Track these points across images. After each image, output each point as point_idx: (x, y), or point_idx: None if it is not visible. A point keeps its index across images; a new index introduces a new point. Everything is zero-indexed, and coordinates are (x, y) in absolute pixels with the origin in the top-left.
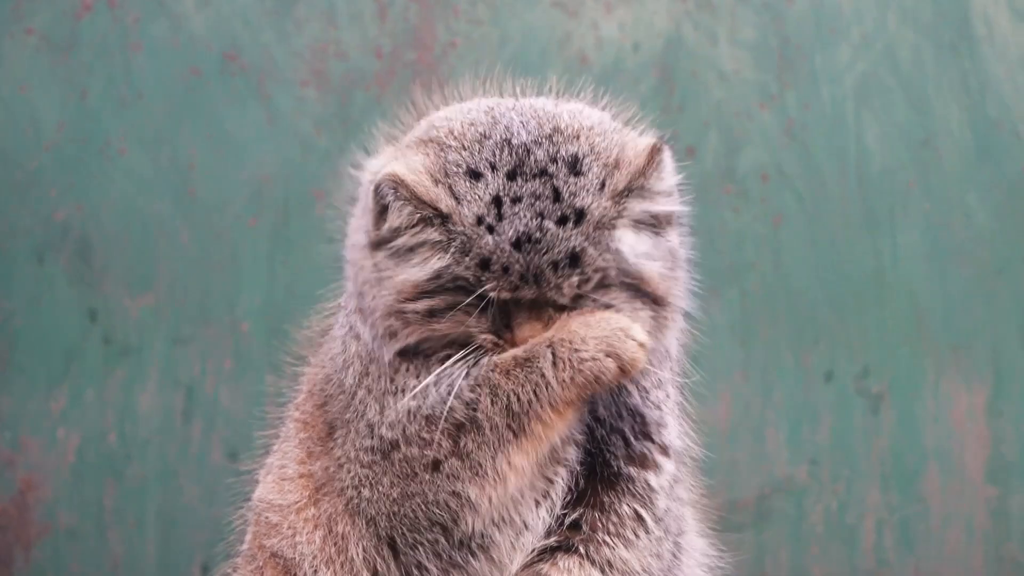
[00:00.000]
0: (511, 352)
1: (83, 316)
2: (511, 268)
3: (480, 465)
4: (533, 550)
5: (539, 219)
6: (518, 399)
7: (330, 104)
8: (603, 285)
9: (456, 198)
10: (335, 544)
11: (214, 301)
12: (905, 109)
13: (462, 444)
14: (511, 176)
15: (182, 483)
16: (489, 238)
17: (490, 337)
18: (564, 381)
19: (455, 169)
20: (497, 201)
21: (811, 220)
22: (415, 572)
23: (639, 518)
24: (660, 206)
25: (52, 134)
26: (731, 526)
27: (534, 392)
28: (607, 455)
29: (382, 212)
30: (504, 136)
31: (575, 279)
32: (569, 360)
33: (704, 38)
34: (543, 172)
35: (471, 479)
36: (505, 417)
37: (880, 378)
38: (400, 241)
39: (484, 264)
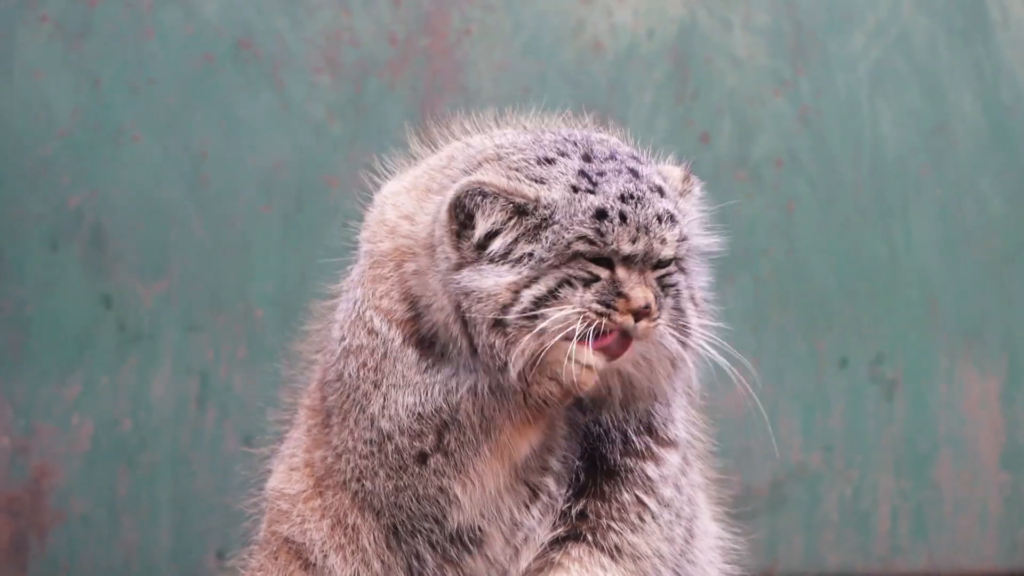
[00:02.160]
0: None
1: (97, 303)
2: (627, 216)
3: (462, 464)
4: (543, 543)
5: (633, 182)
6: (488, 407)
7: (343, 91)
8: (682, 267)
9: (538, 181)
10: (345, 534)
11: (227, 288)
12: (919, 96)
13: (445, 440)
14: (586, 159)
15: (196, 469)
16: (594, 197)
17: (599, 308)
18: (518, 403)
19: (524, 164)
20: (583, 173)
21: (824, 206)
22: (414, 563)
23: (642, 503)
24: (698, 238)
25: (65, 121)
26: (746, 513)
27: (496, 406)
28: (603, 450)
29: (466, 223)
30: (557, 136)
31: (676, 231)
32: (522, 377)
33: (718, 24)
34: (613, 156)
35: (455, 476)
36: (480, 419)
37: (893, 365)
38: (497, 243)
39: (601, 214)
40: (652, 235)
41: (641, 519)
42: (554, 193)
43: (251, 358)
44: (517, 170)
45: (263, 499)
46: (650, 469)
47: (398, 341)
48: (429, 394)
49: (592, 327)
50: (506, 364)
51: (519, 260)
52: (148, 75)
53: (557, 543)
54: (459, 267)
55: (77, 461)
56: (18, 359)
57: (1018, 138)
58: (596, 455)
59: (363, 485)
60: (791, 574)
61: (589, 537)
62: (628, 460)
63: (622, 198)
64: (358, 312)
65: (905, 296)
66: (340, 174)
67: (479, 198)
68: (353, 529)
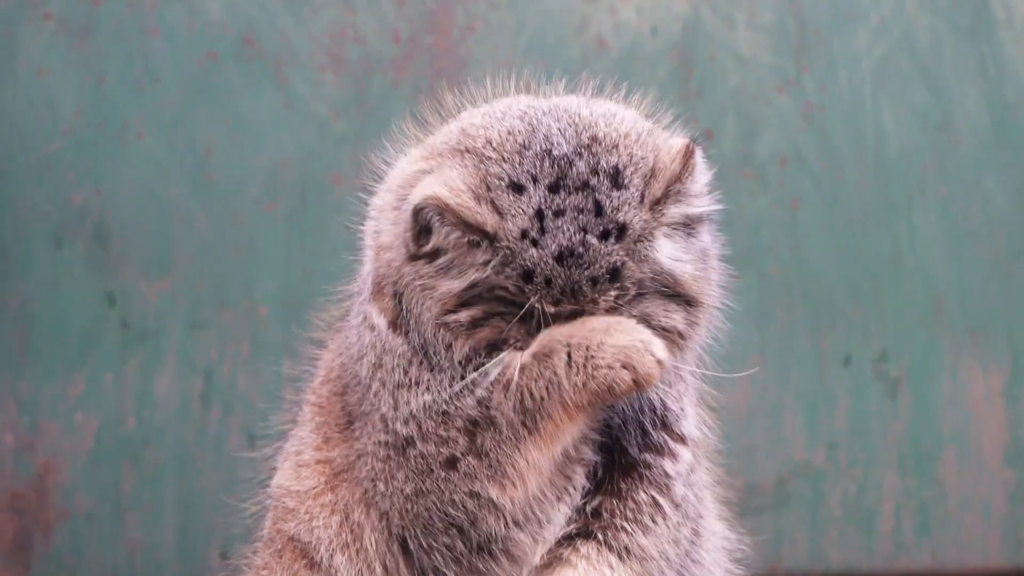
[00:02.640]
0: (528, 349)
1: (101, 301)
2: (553, 282)
3: (499, 463)
4: (556, 538)
5: (582, 233)
6: (531, 395)
7: (347, 88)
8: (639, 295)
9: (500, 213)
10: (351, 531)
11: (231, 285)
12: (923, 93)
13: (479, 442)
14: (553, 189)
15: (200, 467)
16: (533, 251)
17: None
18: (576, 385)
19: (497, 183)
20: (540, 215)
21: (829, 204)
22: None
23: (656, 504)
24: (694, 208)
25: (69, 119)
26: (749, 510)
27: (546, 390)
28: (624, 444)
29: (423, 232)
30: (544, 147)
31: (612, 294)
32: (584, 365)
33: (722, 22)
34: (585, 185)
35: (490, 478)
36: (519, 414)
37: (898, 362)
38: (443, 260)
39: (527, 277)
40: (582, 298)
41: (654, 521)
42: (509, 232)
43: (255, 356)
44: (489, 188)
45: (268, 496)
46: (668, 465)
47: (385, 326)
48: (448, 391)
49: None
50: (450, 347)
51: (465, 276)
52: (152, 73)
53: (568, 539)
54: (415, 259)
55: (81, 459)
56: (22, 357)
57: (1022, 136)
58: (616, 449)
59: (376, 486)
60: (795, 572)
61: (600, 536)
62: (647, 456)
63: (559, 257)
64: (363, 310)
65: (909, 294)
66: (344, 172)
67: (436, 219)
68: (358, 526)
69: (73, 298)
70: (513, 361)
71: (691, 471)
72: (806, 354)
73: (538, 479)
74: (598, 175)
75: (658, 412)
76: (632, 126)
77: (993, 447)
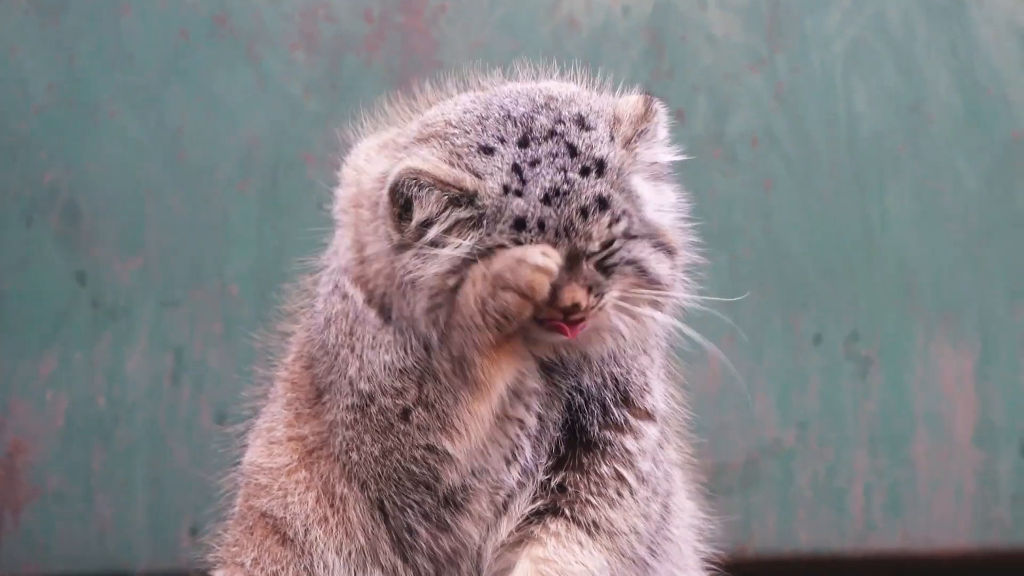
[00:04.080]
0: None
1: (72, 279)
2: (546, 223)
3: (444, 414)
4: (522, 515)
5: (562, 173)
6: (454, 343)
7: (320, 67)
8: (630, 235)
9: (477, 175)
10: (331, 505)
11: (203, 264)
12: (895, 74)
13: (425, 392)
14: (523, 144)
15: (171, 445)
16: (519, 200)
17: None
18: (478, 324)
19: (466, 150)
20: (516, 168)
21: (801, 184)
22: (406, 536)
23: (620, 478)
24: (663, 155)
25: (41, 96)
26: (719, 489)
27: (462, 336)
28: (583, 422)
29: (405, 209)
30: (502, 113)
31: (605, 220)
32: (478, 299)
33: (693, 2)
34: (552, 133)
35: (440, 429)
36: (450, 363)
37: (869, 342)
38: (432, 232)
39: (519, 224)
40: (575, 235)
41: (619, 494)
42: (491, 190)
43: (226, 334)
44: (459, 156)
45: (239, 473)
46: (628, 442)
47: (362, 300)
48: (407, 349)
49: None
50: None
51: (458, 245)
52: (124, 51)
53: (536, 516)
54: (402, 248)
55: (51, 437)
56: None
57: (993, 117)
58: (576, 427)
59: (350, 457)
60: (764, 552)
61: (567, 511)
62: (607, 433)
63: (546, 198)
64: (333, 279)
65: (881, 274)
66: (317, 151)
67: (415, 188)
68: (341, 500)
69: (44, 276)
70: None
71: (659, 446)
72: (777, 334)
73: (480, 429)
74: (563, 123)
75: (620, 387)
76: (581, 89)
77: (964, 427)
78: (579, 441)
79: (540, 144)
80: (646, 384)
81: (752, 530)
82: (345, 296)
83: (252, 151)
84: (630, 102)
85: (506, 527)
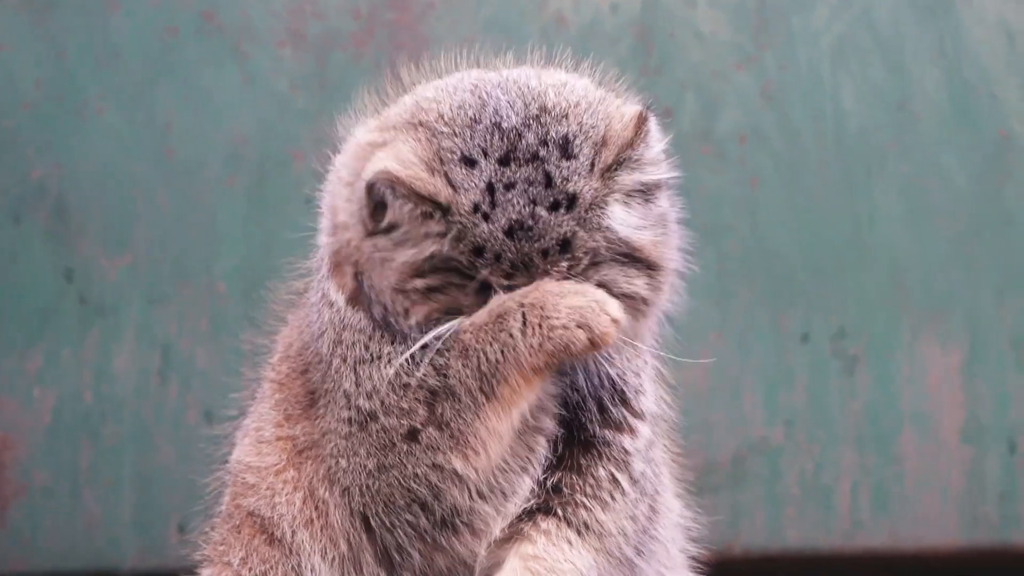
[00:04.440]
0: (483, 311)
1: (59, 276)
2: (503, 256)
3: (461, 432)
4: (515, 512)
5: (531, 206)
6: (487, 359)
7: (307, 64)
8: (594, 264)
9: (453, 187)
10: (316, 508)
11: (190, 261)
12: (882, 71)
13: (439, 411)
14: (503, 162)
15: (158, 443)
16: (484, 226)
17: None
18: (532, 347)
19: (449, 156)
20: (491, 188)
21: (788, 182)
22: (395, 555)
23: (615, 481)
24: (649, 175)
25: (29, 93)
26: (706, 487)
27: (502, 352)
28: (583, 420)
29: (379, 207)
30: (494, 120)
31: (564, 264)
32: (539, 325)
33: None
34: (535, 157)
35: (453, 448)
36: (476, 380)
37: (856, 340)
38: (398, 233)
39: (478, 251)
40: (532, 270)
41: (612, 497)
42: (462, 206)
43: (214, 331)
44: (442, 161)
45: (226, 472)
46: (627, 442)
47: (343, 301)
48: (410, 363)
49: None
50: (407, 312)
51: (421, 248)
52: (112, 48)
53: (528, 513)
54: (372, 235)
55: (38, 434)
56: None
57: (981, 114)
58: (574, 424)
59: (338, 463)
60: (752, 549)
61: (560, 511)
62: (607, 432)
63: (509, 231)
64: (321, 288)
65: (869, 271)
66: (304, 148)
67: (389, 192)
68: (323, 503)
69: (31, 273)
70: (469, 325)
71: (649, 447)
72: (765, 331)
73: (499, 447)
74: (547, 146)
75: (617, 387)
76: (583, 95)
77: (951, 425)
78: (577, 440)
79: (520, 167)
80: (640, 386)
81: (740, 528)
82: (331, 304)
83: (240, 148)
84: (624, 121)
85: (499, 525)
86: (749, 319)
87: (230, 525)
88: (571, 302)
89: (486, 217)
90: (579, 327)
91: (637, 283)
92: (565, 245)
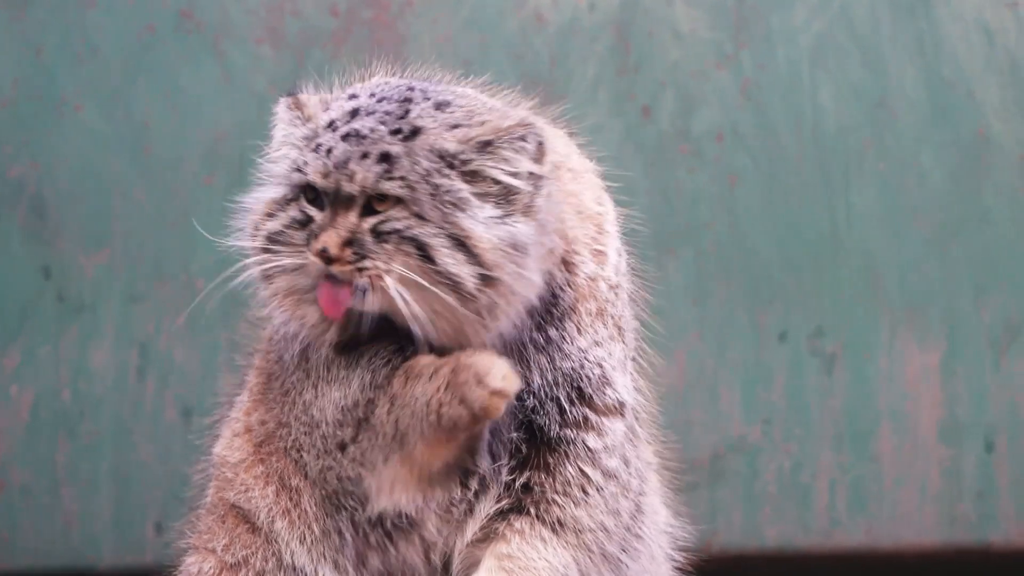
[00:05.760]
0: (419, 365)
1: (37, 273)
2: (331, 152)
3: (372, 463)
4: (487, 515)
5: (376, 124)
6: (398, 423)
7: (286, 62)
8: (414, 212)
9: (327, 108)
10: (291, 498)
11: (169, 259)
12: (860, 69)
13: (360, 437)
14: (380, 100)
15: (136, 440)
16: (329, 134)
17: (311, 256)
18: (430, 423)
19: (339, 93)
20: (355, 112)
21: (766, 180)
22: (336, 539)
23: (585, 476)
24: (507, 178)
25: (7, 91)
26: (684, 485)
27: (409, 422)
28: (541, 422)
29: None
30: (399, 82)
31: (375, 170)
32: (435, 404)
33: None
34: (407, 100)
35: (368, 472)
36: (392, 430)
37: (834, 338)
38: (274, 148)
39: (309, 141)
40: (343, 173)
41: (584, 492)
42: (321, 120)
43: (192, 329)
44: (333, 98)
45: (211, 464)
46: (591, 440)
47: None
48: (351, 387)
49: (305, 276)
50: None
51: (279, 161)
52: (90, 45)
53: (501, 515)
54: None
55: (17, 431)
56: None
57: (959, 113)
58: (535, 427)
59: (301, 456)
60: (729, 547)
61: (532, 510)
62: (568, 432)
63: (345, 136)
64: None
65: (846, 269)
66: None
67: (282, 106)
68: (297, 492)
69: (9, 271)
70: (394, 384)
71: (630, 443)
72: (743, 330)
73: (403, 490)
74: (427, 99)
75: (575, 384)
76: (484, 101)
77: (928, 424)
78: (540, 440)
79: (389, 104)
80: (603, 377)
81: (718, 526)
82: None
83: (218, 145)
84: (507, 121)
85: (471, 528)
86: (727, 317)
87: (215, 516)
88: (459, 378)
89: (334, 128)
90: (460, 403)
91: (461, 270)
92: (385, 158)
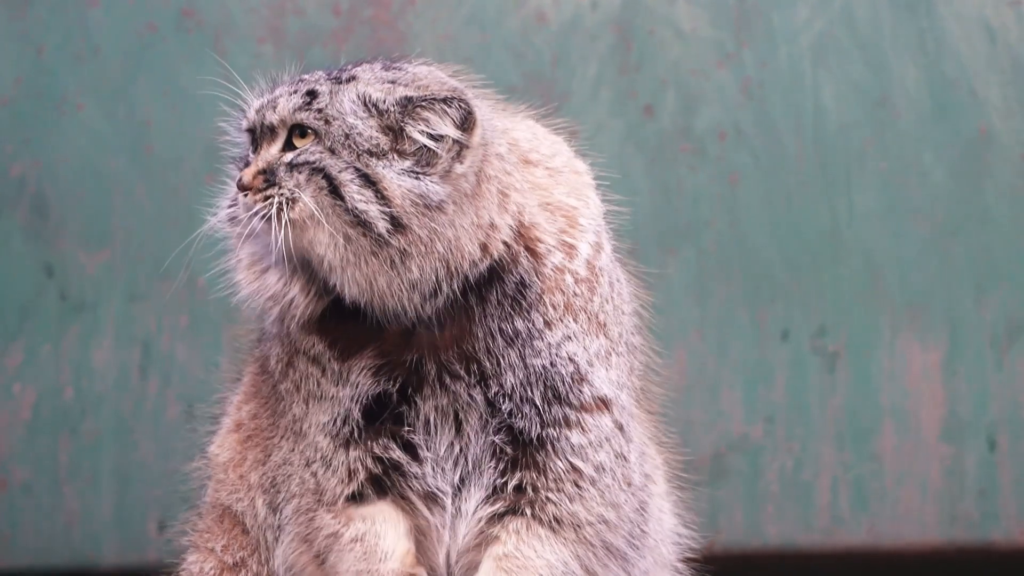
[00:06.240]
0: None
1: (39, 272)
2: (272, 92)
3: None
4: (481, 518)
5: (321, 74)
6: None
7: (287, 61)
8: (328, 147)
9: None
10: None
11: (170, 257)
12: (862, 68)
13: (314, 468)
14: (335, 76)
15: (137, 439)
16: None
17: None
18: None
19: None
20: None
21: (768, 179)
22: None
23: (576, 470)
24: (425, 139)
25: (8, 89)
26: (686, 484)
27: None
28: (521, 425)
29: None
30: (385, 64)
31: (295, 101)
32: None
33: None
34: (364, 62)
35: (318, 503)
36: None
37: (836, 337)
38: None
39: (261, 94)
40: (268, 105)
41: (577, 486)
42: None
43: (193, 327)
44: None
45: (207, 464)
46: (575, 437)
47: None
48: (339, 418)
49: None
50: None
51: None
52: (91, 44)
53: (496, 518)
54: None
55: (18, 430)
56: None
57: (960, 111)
58: (516, 430)
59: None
60: (732, 546)
61: (527, 510)
62: (550, 431)
63: (281, 83)
64: None
65: (848, 268)
66: None
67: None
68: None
69: (11, 269)
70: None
71: (620, 435)
72: (744, 328)
73: (337, 546)
74: (380, 64)
75: (547, 381)
76: (437, 74)
77: (930, 422)
78: (524, 441)
79: (347, 65)
80: (576, 373)
81: (720, 525)
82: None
83: (219, 144)
84: (441, 88)
85: (463, 530)
86: (728, 316)
87: (213, 515)
88: (363, 567)
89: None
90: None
91: (370, 209)
92: (310, 93)
